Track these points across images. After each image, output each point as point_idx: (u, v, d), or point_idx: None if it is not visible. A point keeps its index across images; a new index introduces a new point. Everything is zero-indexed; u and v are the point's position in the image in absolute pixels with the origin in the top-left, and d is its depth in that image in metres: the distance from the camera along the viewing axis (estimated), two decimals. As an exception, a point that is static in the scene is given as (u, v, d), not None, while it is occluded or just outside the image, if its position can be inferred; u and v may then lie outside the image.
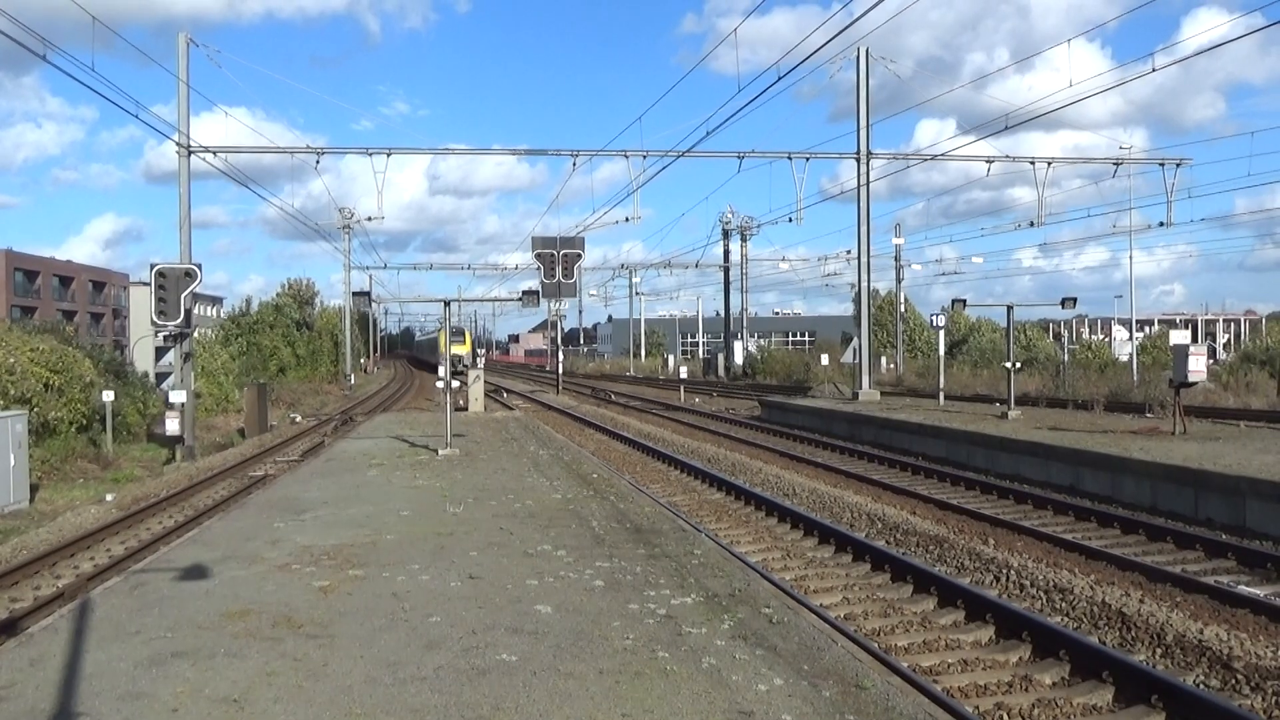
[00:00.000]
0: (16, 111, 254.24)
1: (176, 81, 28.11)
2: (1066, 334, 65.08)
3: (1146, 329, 76.33)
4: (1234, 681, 8.12)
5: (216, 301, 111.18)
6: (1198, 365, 20.16)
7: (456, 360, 63.49)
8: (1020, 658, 8.88)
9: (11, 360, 26.35)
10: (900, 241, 53.59)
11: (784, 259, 70.02)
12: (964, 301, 31.75)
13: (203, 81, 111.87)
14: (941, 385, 31.75)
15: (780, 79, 17.37)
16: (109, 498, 20.50)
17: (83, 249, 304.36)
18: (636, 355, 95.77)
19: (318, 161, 31.98)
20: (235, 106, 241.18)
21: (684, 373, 56.49)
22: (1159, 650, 8.91)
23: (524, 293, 26.98)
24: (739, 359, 66.58)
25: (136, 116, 38.22)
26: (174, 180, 29.20)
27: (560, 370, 60.04)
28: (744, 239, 67.16)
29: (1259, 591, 10.84)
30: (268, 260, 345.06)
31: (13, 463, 19.46)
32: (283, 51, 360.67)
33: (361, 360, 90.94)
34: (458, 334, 71.82)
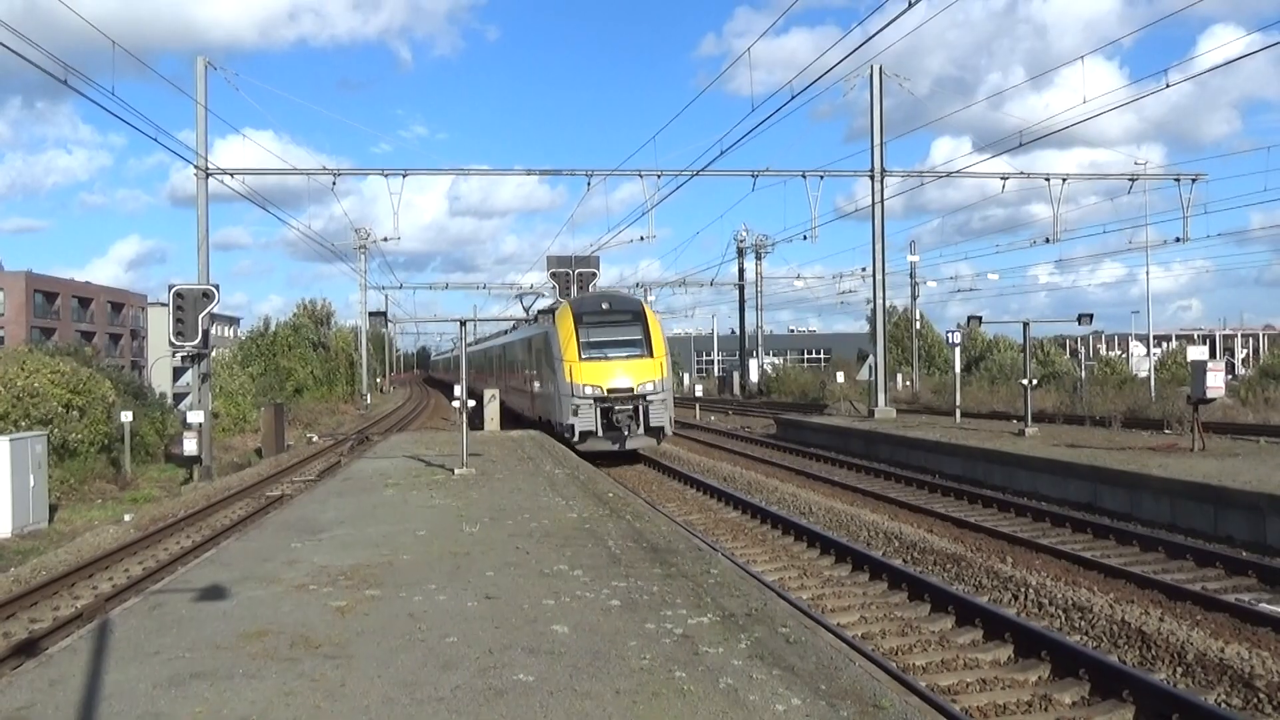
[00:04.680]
0: (49, 138, 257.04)
1: (195, 105, 28.39)
2: (1083, 350, 64.78)
3: (1164, 345, 75.94)
4: (1256, 701, 8.06)
5: (234, 322, 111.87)
6: (1216, 381, 20.04)
7: (638, 405, 24.70)
8: (1040, 677, 8.82)
9: (34, 384, 26.57)
10: (915, 259, 53.59)
11: (799, 277, 70.01)
12: (980, 318, 31.70)
13: (231, 107, 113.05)
14: (958, 402, 31.64)
15: (794, 97, 17.46)
16: (127, 518, 20.61)
17: (106, 271, 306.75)
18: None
19: (334, 183, 32.14)
20: (262, 130, 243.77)
21: (699, 390, 56.47)
22: (1180, 669, 8.85)
23: (539, 312, 27.05)
24: (754, 377, 66.50)
25: (155, 140, 38.65)
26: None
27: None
28: (759, 257, 67.20)
29: (1281, 609, 10.74)
30: (288, 281, 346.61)
31: (32, 483, 19.59)
32: (313, 77, 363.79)
33: (377, 380, 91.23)
34: (626, 318, 26.62)
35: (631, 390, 24.63)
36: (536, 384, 30.14)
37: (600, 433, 24.49)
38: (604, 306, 26.70)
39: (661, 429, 25.10)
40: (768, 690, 6.40)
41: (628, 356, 25.22)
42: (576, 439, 24.39)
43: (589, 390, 24.54)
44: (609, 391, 24.54)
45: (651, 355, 25.30)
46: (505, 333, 42.82)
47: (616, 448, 24.83)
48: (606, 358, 25.12)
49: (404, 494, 16.50)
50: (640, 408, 24.50)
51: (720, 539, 15.61)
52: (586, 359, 24.95)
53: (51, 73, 16.83)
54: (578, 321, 25.73)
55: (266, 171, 33.40)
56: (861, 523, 16.31)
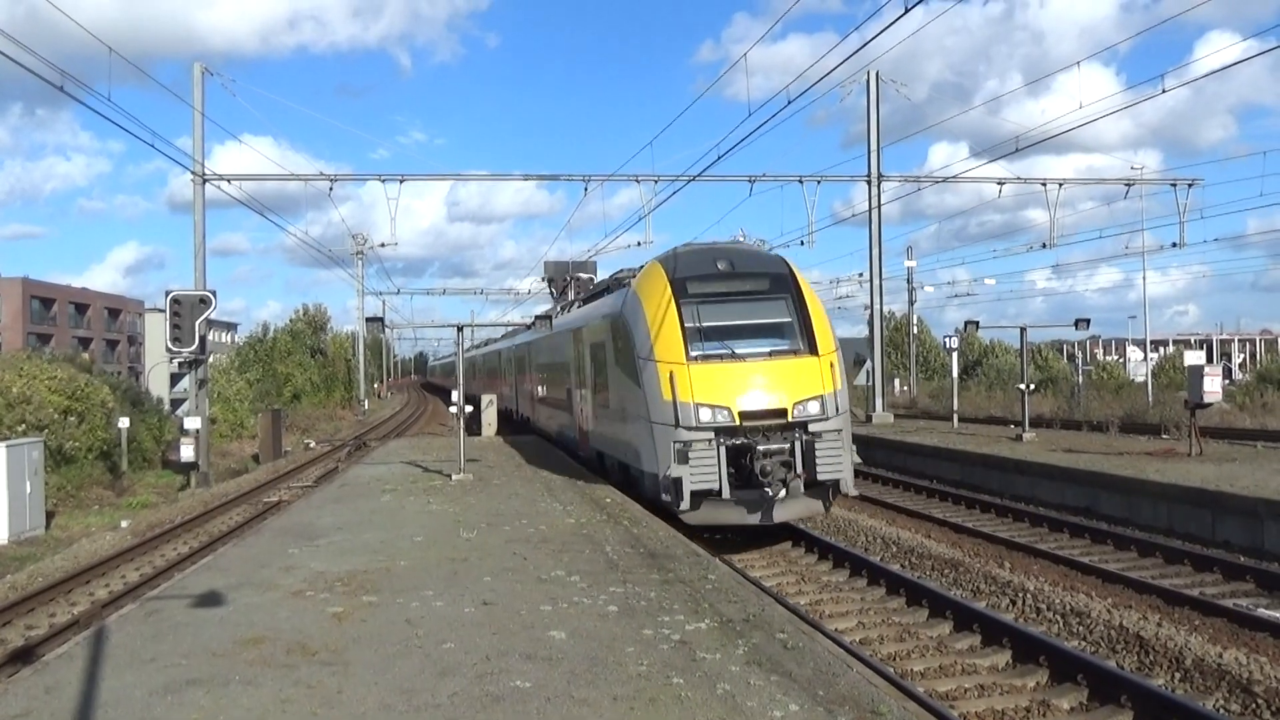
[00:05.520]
0: (48, 144, 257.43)
1: (192, 110, 28.41)
2: (1081, 355, 64.85)
3: (1161, 350, 76.06)
4: (1255, 706, 8.05)
5: (231, 328, 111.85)
6: (1213, 386, 20.07)
7: (796, 441, 14.18)
8: (1038, 682, 8.82)
9: (29, 391, 26.55)
10: (913, 264, 53.54)
11: (797, 282, 69.68)
12: (977, 323, 31.63)
13: (230, 113, 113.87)
14: (955, 408, 31.65)
15: (791, 103, 17.40)
16: (124, 524, 20.59)
17: (104, 277, 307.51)
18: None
19: (331, 188, 32.09)
20: (261, 136, 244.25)
21: (697, 396, 56.02)
22: (1178, 674, 8.85)
23: (536, 317, 26.98)
24: (752, 382, 66.25)
25: (152, 146, 38.57)
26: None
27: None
28: (756, 262, 67.03)
29: (1279, 614, 10.75)
30: (286, 286, 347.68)
31: (29, 489, 19.56)
32: (312, 83, 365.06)
33: (375, 385, 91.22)
34: (762, 286, 16.05)
35: (784, 413, 14.21)
36: (596, 402, 19.28)
37: (726, 492, 13.89)
38: (721, 267, 16.00)
39: (837, 482, 14.28)
40: (765, 696, 6.39)
41: (772, 354, 14.90)
42: (685, 503, 13.88)
43: (706, 414, 14.18)
44: (743, 416, 14.19)
45: (815, 352, 14.87)
46: (531, 325, 31.20)
47: (757, 521, 14.25)
48: (735, 356, 14.80)
49: (401, 500, 16.48)
50: (800, 446, 13.96)
51: (718, 545, 15.59)
52: (699, 358, 14.67)
53: (48, 79, 16.82)
54: (679, 292, 15.38)
55: (264, 177, 33.36)
56: (859, 528, 16.30)
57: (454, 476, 18.99)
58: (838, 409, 14.51)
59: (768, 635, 7.84)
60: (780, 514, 14.25)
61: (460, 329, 21.08)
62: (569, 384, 22.66)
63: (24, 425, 25.08)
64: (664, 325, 15.05)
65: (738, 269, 16.07)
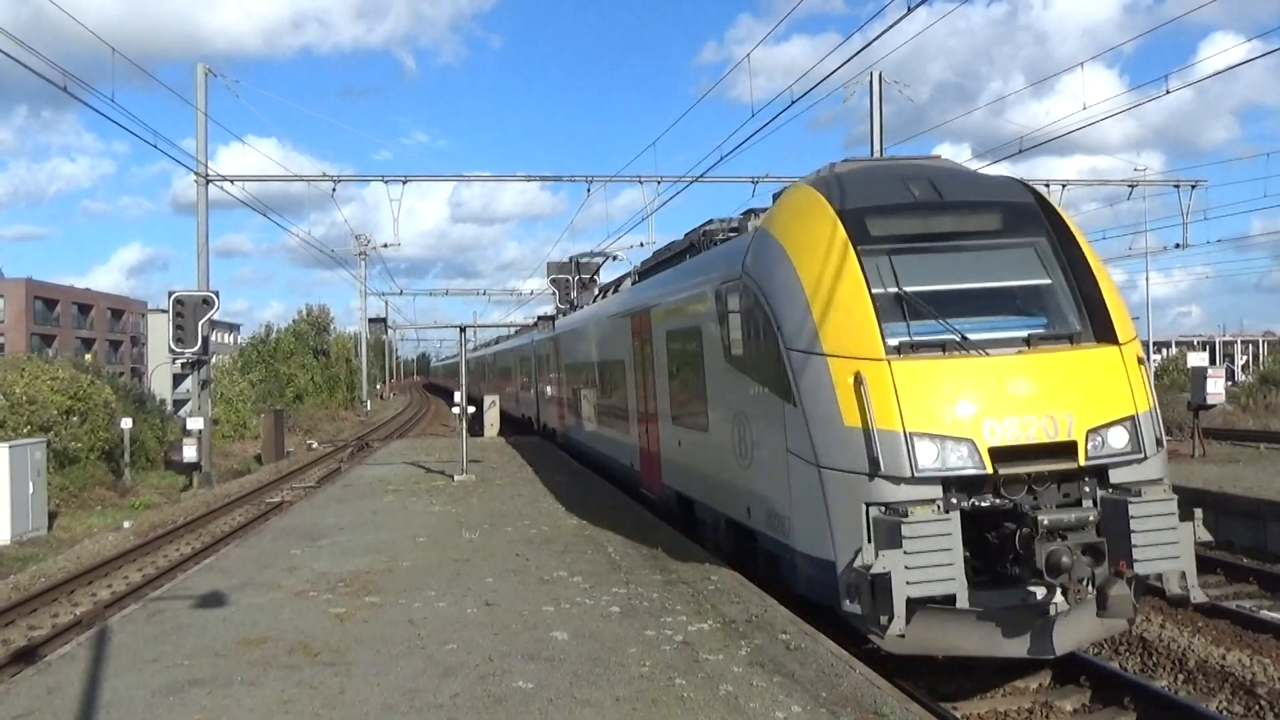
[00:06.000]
0: (53, 146, 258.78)
1: (195, 111, 28.41)
2: (1083, 356, 64.62)
3: (1164, 351, 75.93)
4: (1258, 708, 8.04)
5: (234, 328, 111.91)
6: (1216, 387, 20.06)
7: (1090, 506, 7.88)
8: (1040, 685, 8.81)
9: (32, 391, 26.58)
10: (915, 265, 53.42)
11: (799, 283, 69.54)
12: (980, 325, 31.50)
13: (234, 114, 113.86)
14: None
15: (794, 103, 17.36)
16: (127, 525, 20.59)
17: (108, 278, 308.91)
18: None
19: (334, 190, 31.96)
20: (265, 137, 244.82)
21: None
22: (1181, 676, 8.84)
23: (539, 318, 26.99)
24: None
25: (155, 146, 38.53)
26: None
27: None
28: (758, 263, 66.96)
29: (1282, 616, 10.73)
30: (289, 287, 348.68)
31: (31, 490, 19.56)
32: (316, 84, 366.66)
33: (377, 386, 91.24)
34: (991, 222, 9.11)
35: (1072, 450, 7.97)
36: (680, 418, 13.06)
37: (965, 599, 7.48)
38: (917, 193, 9.42)
39: (1154, 577, 8.26)
40: (768, 697, 6.38)
41: (1031, 340, 8.41)
42: (898, 622, 7.25)
43: (929, 453, 7.80)
44: (996, 456, 7.78)
45: (1110, 338, 8.54)
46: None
47: (1025, 652, 7.91)
48: (967, 346, 8.28)
49: (404, 500, 16.48)
50: (1104, 510, 8.11)
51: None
52: (906, 349, 8.27)
53: (50, 79, 16.81)
54: (857, 234, 8.91)
55: (267, 178, 33.28)
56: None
57: (456, 477, 18.99)
58: (1158, 442, 8.66)
59: (770, 636, 7.83)
60: (1064, 639, 7.96)
61: (463, 329, 21.11)
62: (624, 389, 16.60)
63: (30, 427, 25.11)
64: (837, 292, 8.66)
65: (947, 196, 9.42)
